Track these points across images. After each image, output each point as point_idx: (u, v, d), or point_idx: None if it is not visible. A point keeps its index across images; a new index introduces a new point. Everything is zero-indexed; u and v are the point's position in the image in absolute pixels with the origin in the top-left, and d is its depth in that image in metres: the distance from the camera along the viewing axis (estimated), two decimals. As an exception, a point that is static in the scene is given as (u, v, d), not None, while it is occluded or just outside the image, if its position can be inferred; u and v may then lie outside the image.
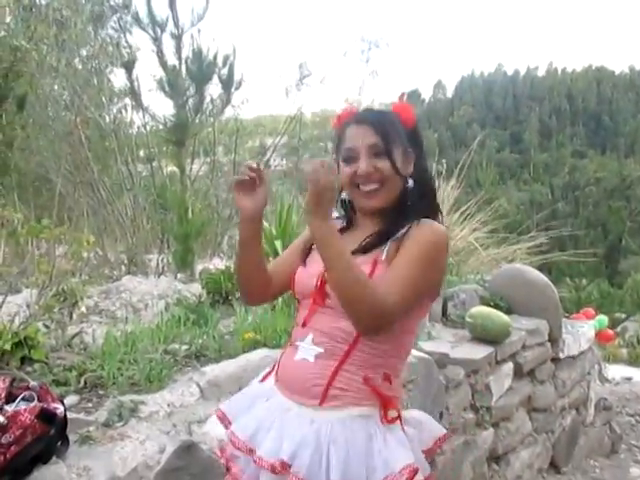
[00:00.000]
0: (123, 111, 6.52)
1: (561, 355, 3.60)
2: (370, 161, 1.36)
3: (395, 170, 1.36)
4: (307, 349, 1.34)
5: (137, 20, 4.02)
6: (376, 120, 1.39)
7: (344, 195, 1.44)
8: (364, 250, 1.35)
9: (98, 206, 5.26)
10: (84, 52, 6.42)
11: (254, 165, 1.39)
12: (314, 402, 1.30)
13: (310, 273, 1.39)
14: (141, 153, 6.60)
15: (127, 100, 6.35)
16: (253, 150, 9.52)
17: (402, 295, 1.25)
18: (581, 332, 3.88)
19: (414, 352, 2.63)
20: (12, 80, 5.01)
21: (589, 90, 75.63)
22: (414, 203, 1.38)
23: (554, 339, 3.54)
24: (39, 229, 2.39)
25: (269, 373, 1.48)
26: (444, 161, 6.39)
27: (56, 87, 6.08)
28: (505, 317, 3.13)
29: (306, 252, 1.46)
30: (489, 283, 3.74)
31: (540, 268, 5.05)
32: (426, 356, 2.63)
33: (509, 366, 3.17)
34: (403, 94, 1.60)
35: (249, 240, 1.44)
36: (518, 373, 3.24)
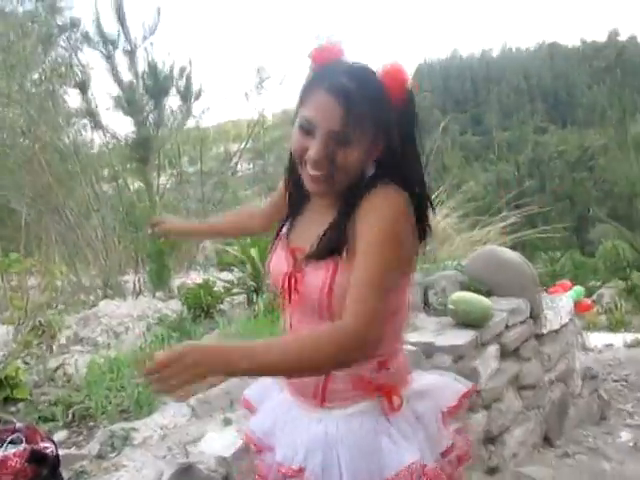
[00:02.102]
0: (82, 131, 6.41)
1: (544, 331, 3.65)
2: (326, 148, 1.12)
3: (359, 160, 1.15)
4: None
5: (87, 39, 3.94)
6: (353, 98, 1.10)
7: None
8: (319, 255, 1.18)
9: (66, 231, 5.17)
10: (35, 75, 6.29)
11: (153, 221, 1.66)
12: (316, 402, 1.26)
13: (277, 269, 1.29)
14: (105, 173, 6.50)
15: (85, 120, 6.25)
16: (218, 157, 9.46)
17: (372, 307, 1.07)
18: (561, 305, 3.94)
19: (400, 345, 2.64)
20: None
21: (544, 66, 77.03)
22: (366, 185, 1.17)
23: (535, 316, 3.58)
24: (8, 263, 2.33)
25: None
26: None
27: (10, 114, 5.94)
28: (486, 300, 3.16)
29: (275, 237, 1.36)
30: (466, 267, 3.77)
31: (514, 247, 5.12)
32: (412, 347, 2.64)
33: (494, 347, 3.20)
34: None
35: (200, 237, 1.57)
36: (504, 353, 3.28)
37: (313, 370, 1.11)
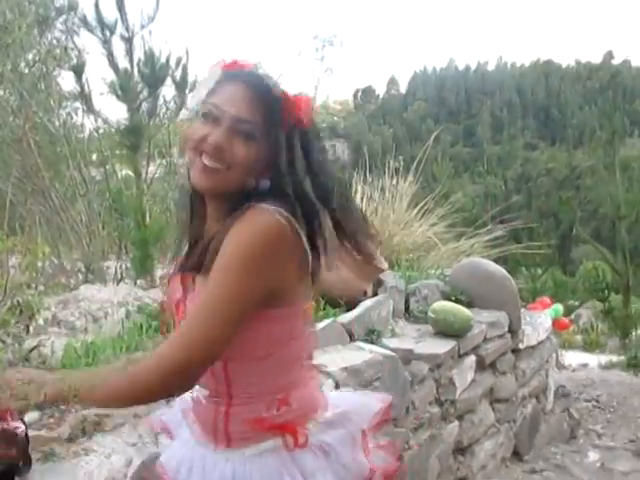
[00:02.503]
0: (73, 115, 6.34)
1: (521, 346, 3.70)
2: (229, 135, 1.08)
3: (257, 159, 1.10)
4: (198, 389, 1.22)
5: (85, 23, 3.91)
6: (263, 91, 1.10)
7: (181, 159, 1.26)
8: (198, 269, 1.14)
9: (51, 214, 5.11)
10: (30, 56, 6.21)
11: None
12: (222, 445, 1.20)
13: (171, 298, 1.27)
14: (94, 157, 6.44)
15: (77, 104, 6.18)
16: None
17: (196, 336, 1.04)
18: (539, 322, 3.99)
19: (379, 350, 2.66)
20: (-45, 86, 4.83)
21: (538, 83, 77.78)
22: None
23: (514, 330, 3.63)
24: (-10, 242, 2.31)
25: None
26: (401, 157, 6.45)
27: (1, 92, 5.87)
28: (466, 311, 3.19)
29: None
30: (449, 277, 3.80)
31: (497, 260, 5.16)
32: (391, 353, 2.66)
33: (471, 359, 3.24)
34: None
35: None
36: (480, 365, 3.32)
37: (133, 401, 1.16)
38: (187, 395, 1.31)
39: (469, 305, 3.48)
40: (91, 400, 1.15)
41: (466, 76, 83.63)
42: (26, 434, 1.64)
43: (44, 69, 6.20)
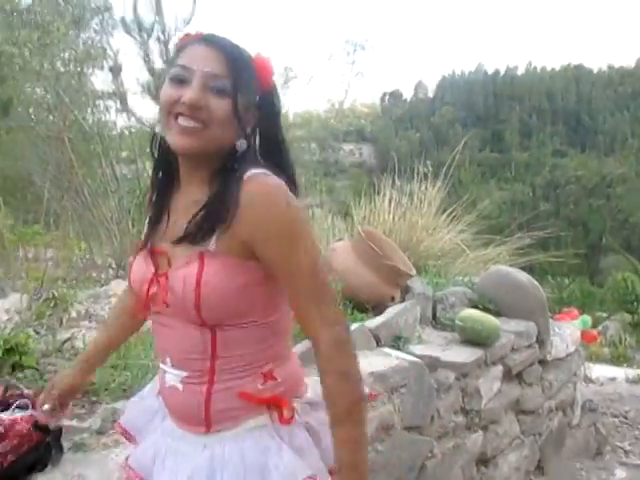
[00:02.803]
0: (107, 113, 6.47)
1: (548, 357, 3.65)
2: (202, 91, 1.05)
3: (233, 114, 1.06)
4: (172, 374, 1.15)
5: (124, 25, 3.98)
6: (230, 50, 1.09)
7: (158, 129, 1.15)
8: (190, 240, 1.08)
9: (83, 210, 5.22)
10: (66, 55, 6.36)
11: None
12: (200, 429, 1.14)
13: (139, 277, 1.16)
14: (123, 154, 6.55)
15: (110, 102, 6.31)
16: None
17: (332, 302, 1.11)
18: (568, 333, 3.93)
19: (406, 356, 2.65)
20: (-4, 85, 4.97)
21: (568, 89, 76.65)
22: (242, 166, 1.09)
23: (542, 341, 3.58)
24: (30, 235, 2.37)
25: None
26: (429, 162, 6.42)
27: (38, 90, 6.01)
28: (495, 320, 3.16)
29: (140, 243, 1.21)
30: (477, 285, 3.77)
31: (523, 268, 5.10)
32: (417, 360, 2.65)
33: (498, 369, 3.20)
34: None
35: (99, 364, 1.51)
36: (507, 376, 3.28)
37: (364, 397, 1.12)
38: (153, 391, 1.30)
39: (496, 314, 3.44)
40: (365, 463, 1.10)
41: (495, 80, 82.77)
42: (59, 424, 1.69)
43: (79, 68, 6.33)
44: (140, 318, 1.33)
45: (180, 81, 1.06)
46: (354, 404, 1.08)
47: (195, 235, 1.07)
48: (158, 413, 1.27)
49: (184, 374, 1.13)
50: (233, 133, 1.08)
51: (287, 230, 1.06)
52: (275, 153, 1.15)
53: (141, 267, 1.15)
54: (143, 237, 1.20)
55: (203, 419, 1.13)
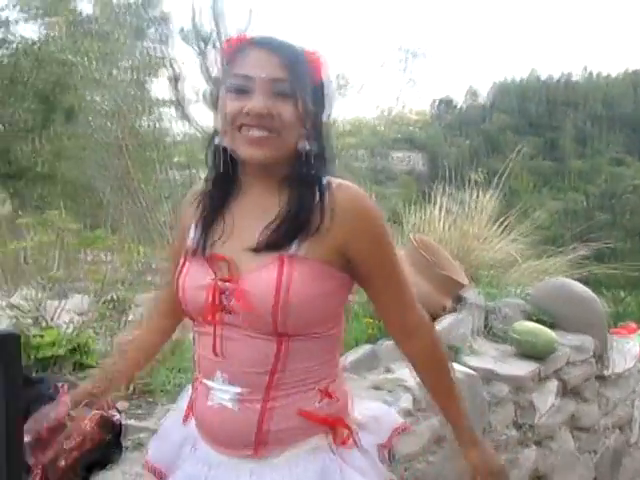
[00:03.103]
0: (164, 120, 6.66)
1: (606, 372, 3.53)
2: (268, 100, 1.01)
3: (299, 116, 1.03)
4: (221, 391, 1.07)
5: (183, 35, 4.10)
6: (285, 49, 1.04)
7: (218, 141, 1.08)
8: (271, 246, 1.03)
9: (139, 214, 5.37)
10: (126, 64, 6.58)
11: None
12: (248, 452, 1.06)
13: (193, 284, 1.09)
14: (175, 159, 6.71)
15: (165, 109, 6.49)
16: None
17: (412, 294, 1.16)
18: (627, 348, 3.80)
19: (459, 367, 2.61)
20: (60, 93, 5.17)
21: (626, 95, 74.07)
22: (316, 170, 1.07)
23: (599, 356, 3.47)
24: (93, 239, 2.46)
25: (189, 410, 1.20)
26: (480, 170, 6.31)
27: (98, 98, 6.24)
28: (551, 332, 3.09)
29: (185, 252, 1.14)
30: (532, 297, 3.69)
31: (577, 280, 4.96)
32: (471, 372, 2.61)
33: (553, 383, 3.12)
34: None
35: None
36: (562, 390, 3.19)
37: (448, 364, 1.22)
38: (176, 422, 1.24)
39: (552, 326, 3.35)
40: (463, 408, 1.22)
41: (549, 87, 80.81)
42: (121, 423, 1.73)
43: (137, 77, 6.54)
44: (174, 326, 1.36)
45: (241, 91, 1.02)
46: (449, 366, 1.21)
47: (277, 241, 1.03)
48: (187, 442, 1.17)
49: (237, 390, 1.05)
50: (297, 135, 1.05)
51: (380, 233, 1.11)
52: (326, 149, 1.12)
53: (197, 272, 1.09)
54: (192, 242, 1.13)
55: (253, 441, 1.05)
